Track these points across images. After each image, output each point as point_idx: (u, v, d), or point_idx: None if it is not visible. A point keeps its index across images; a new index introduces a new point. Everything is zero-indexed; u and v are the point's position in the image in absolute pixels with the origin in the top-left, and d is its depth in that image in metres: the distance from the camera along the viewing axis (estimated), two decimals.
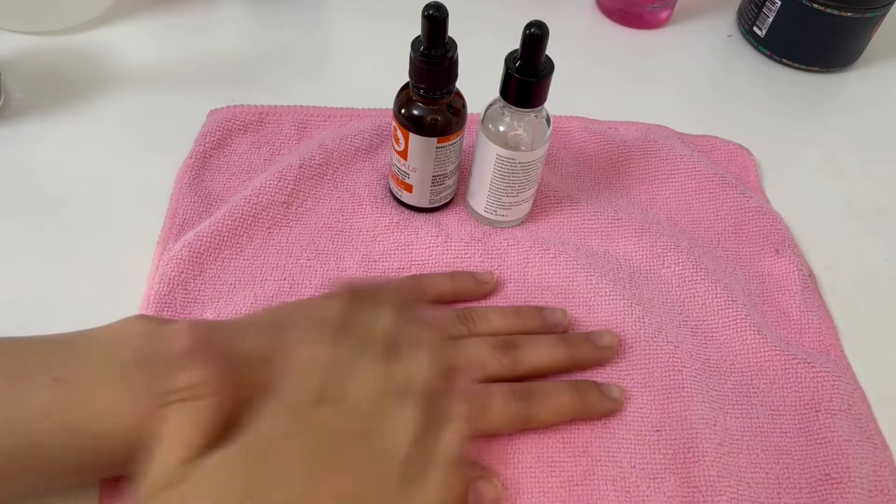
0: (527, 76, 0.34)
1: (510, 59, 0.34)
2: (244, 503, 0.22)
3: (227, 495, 0.22)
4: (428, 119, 0.36)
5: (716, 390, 0.35)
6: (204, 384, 0.24)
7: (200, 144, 0.43)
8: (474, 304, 0.37)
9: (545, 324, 0.36)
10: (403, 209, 0.41)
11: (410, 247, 0.39)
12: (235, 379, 0.25)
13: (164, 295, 0.35)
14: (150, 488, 0.22)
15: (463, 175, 0.42)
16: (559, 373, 0.34)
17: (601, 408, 0.33)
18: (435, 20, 0.32)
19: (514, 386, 0.32)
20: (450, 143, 0.37)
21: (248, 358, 0.27)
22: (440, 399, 0.26)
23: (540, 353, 0.33)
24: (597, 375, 0.35)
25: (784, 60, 0.56)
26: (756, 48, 0.57)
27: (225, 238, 0.38)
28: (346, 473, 0.23)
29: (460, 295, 0.37)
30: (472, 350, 0.33)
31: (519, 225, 0.41)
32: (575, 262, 0.39)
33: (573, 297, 0.38)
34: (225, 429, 0.24)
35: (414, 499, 0.24)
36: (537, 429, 0.32)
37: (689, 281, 0.39)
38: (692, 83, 0.54)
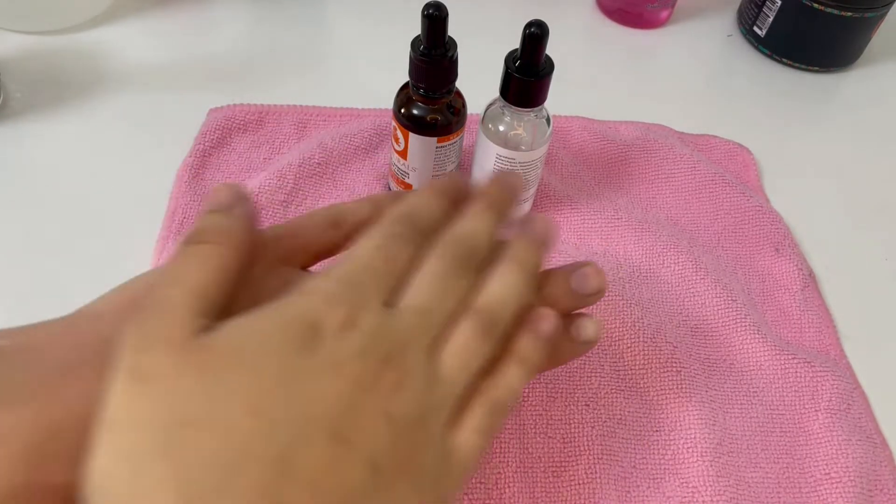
0: (527, 76, 0.34)
1: (510, 58, 0.34)
2: (276, 389, 0.19)
3: (260, 374, 0.19)
4: (428, 119, 0.36)
5: (715, 390, 0.35)
6: (229, 234, 0.22)
7: (200, 143, 0.43)
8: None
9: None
10: None
11: None
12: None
13: None
14: (160, 338, 0.19)
15: (463, 175, 0.42)
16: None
17: (571, 355, 0.28)
18: (435, 19, 0.32)
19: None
20: (450, 142, 0.37)
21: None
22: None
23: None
24: (597, 373, 0.35)
25: (784, 60, 0.56)
26: (756, 48, 0.57)
27: None
28: (396, 389, 0.21)
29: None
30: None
31: None
32: None
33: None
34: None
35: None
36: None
37: (689, 280, 0.39)
38: (692, 83, 0.54)
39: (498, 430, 0.24)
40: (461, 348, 0.23)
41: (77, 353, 0.22)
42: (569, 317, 0.28)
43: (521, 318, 0.25)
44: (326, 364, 0.20)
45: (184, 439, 0.18)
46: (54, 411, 0.20)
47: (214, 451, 0.18)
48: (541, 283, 0.27)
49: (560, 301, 0.27)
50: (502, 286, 0.25)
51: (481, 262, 0.25)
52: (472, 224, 0.26)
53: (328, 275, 0.22)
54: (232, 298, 0.22)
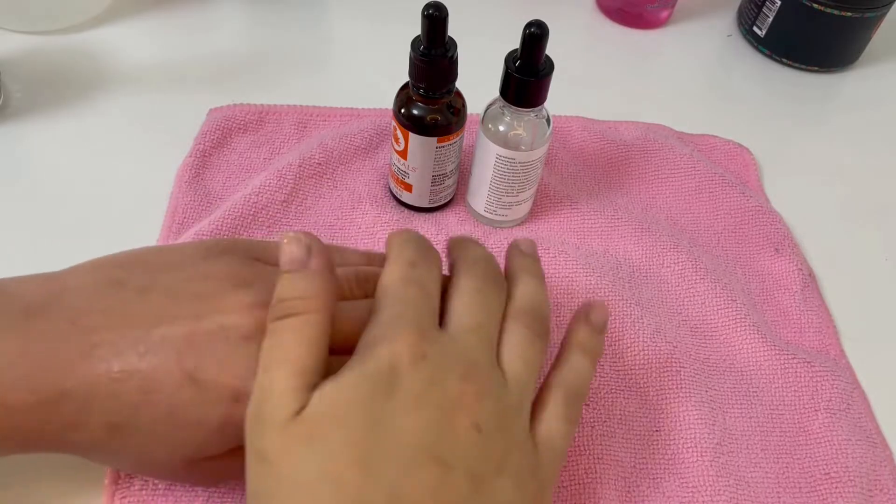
0: (526, 76, 0.34)
1: (510, 58, 0.34)
2: (372, 435, 0.21)
3: (354, 427, 0.21)
4: (428, 119, 0.36)
5: (715, 390, 0.35)
6: (315, 297, 0.23)
7: (200, 143, 0.43)
8: None
9: None
10: (403, 209, 0.41)
11: None
12: (334, 296, 0.24)
13: None
14: (270, 421, 0.22)
15: (463, 175, 0.42)
16: None
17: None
18: (435, 19, 0.32)
19: None
20: (450, 142, 0.37)
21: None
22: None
23: None
24: (597, 373, 0.35)
25: (784, 60, 0.56)
26: (756, 48, 0.57)
27: (224, 237, 0.38)
28: (479, 400, 0.23)
29: None
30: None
31: (519, 225, 0.41)
32: (575, 262, 0.39)
33: (573, 297, 0.38)
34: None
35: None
36: None
37: (689, 280, 0.39)
38: (692, 83, 0.54)
39: (579, 416, 0.27)
40: (519, 350, 0.26)
41: (97, 294, 0.25)
42: None
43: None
44: (409, 399, 0.22)
45: (304, 501, 0.21)
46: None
47: None
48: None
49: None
50: (529, 290, 0.28)
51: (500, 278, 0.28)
52: (477, 250, 0.29)
53: (378, 321, 0.24)
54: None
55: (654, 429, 0.33)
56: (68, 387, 0.23)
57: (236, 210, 0.39)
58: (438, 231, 0.40)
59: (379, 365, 0.22)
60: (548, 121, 0.37)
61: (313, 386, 0.22)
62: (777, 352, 0.37)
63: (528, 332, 0.26)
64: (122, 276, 0.26)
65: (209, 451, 0.24)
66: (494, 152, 0.37)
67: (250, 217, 0.39)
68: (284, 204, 0.40)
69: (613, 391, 0.34)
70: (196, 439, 0.24)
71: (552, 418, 0.25)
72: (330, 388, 0.22)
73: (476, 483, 0.22)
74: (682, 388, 0.35)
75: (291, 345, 0.23)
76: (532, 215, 0.42)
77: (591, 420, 0.33)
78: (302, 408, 0.22)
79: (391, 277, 0.26)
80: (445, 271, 0.29)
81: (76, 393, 0.23)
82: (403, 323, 0.24)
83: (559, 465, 0.25)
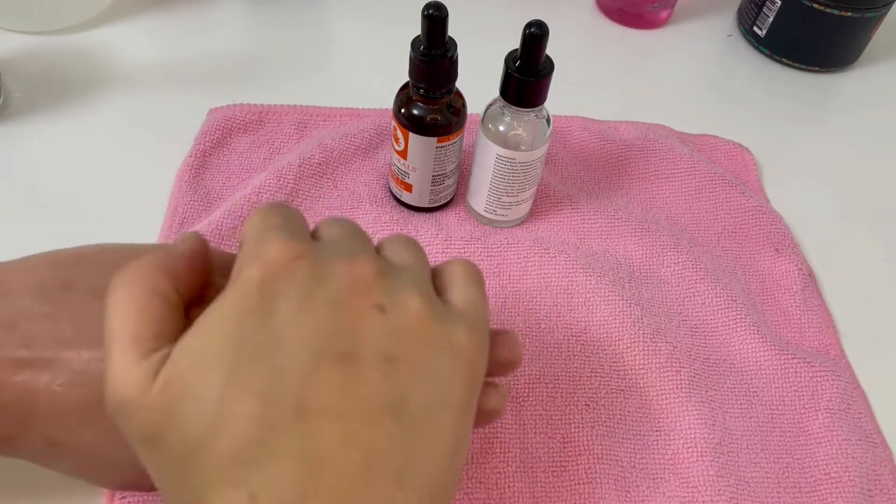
0: (526, 76, 0.34)
1: (510, 58, 0.34)
2: (256, 360, 0.19)
3: (231, 359, 0.19)
4: (428, 119, 0.36)
5: (715, 390, 0.35)
6: (138, 269, 0.21)
7: (200, 143, 0.43)
8: None
9: None
10: (403, 209, 0.41)
11: None
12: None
13: None
14: (128, 403, 0.19)
15: (463, 175, 0.42)
16: None
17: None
18: (435, 19, 0.32)
19: None
20: (450, 142, 0.37)
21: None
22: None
23: None
24: (597, 373, 0.35)
25: (784, 60, 0.56)
26: (756, 48, 0.57)
27: (225, 237, 0.38)
28: (377, 278, 0.21)
29: None
30: None
31: (519, 225, 0.41)
32: (574, 262, 0.39)
33: (572, 297, 0.38)
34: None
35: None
36: None
37: (689, 280, 0.39)
38: (692, 83, 0.54)
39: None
40: (398, 250, 0.24)
41: (42, 296, 0.23)
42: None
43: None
44: (293, 303, 0.20)
45: (207, 461, 0.19)
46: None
47: (240, 444, 0.18)
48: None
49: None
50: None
51: None
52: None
53: (241, 252, 0.22)
54: None
55: (654, 429, 0.33)
56: (4, 399, 0.21)
57: (236, 210, 0.39)
58: (438, 231, 0.40)
59: (246, 287, 0.20)
60: (548, 121, 0.37)
61: (155, 349, 0.20)
62: (777, 352, 0.37)
63: (400, 244, 0.25)
64: (72, 276, 0.23)
65: None
66: (494, 152, 0.37)
67: None
68: None
69: (613, 391, 0.34)
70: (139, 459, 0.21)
71: (460, 286, 0.24)
72: (189, 337, 0.20)
73: (391, 364, 0.20)
74: (682, 388, 0.35)
75: (116, 323, 0.20)
76: (532, 215, 0.42)
77: (592, 420, 0.33)
78: (154, 374, 0.19)
79: (249, 222, 0.23)
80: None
81: (13, 406, 0.21)
82: (269, 237, 0.21)
83: (488, 319, 0.24)
